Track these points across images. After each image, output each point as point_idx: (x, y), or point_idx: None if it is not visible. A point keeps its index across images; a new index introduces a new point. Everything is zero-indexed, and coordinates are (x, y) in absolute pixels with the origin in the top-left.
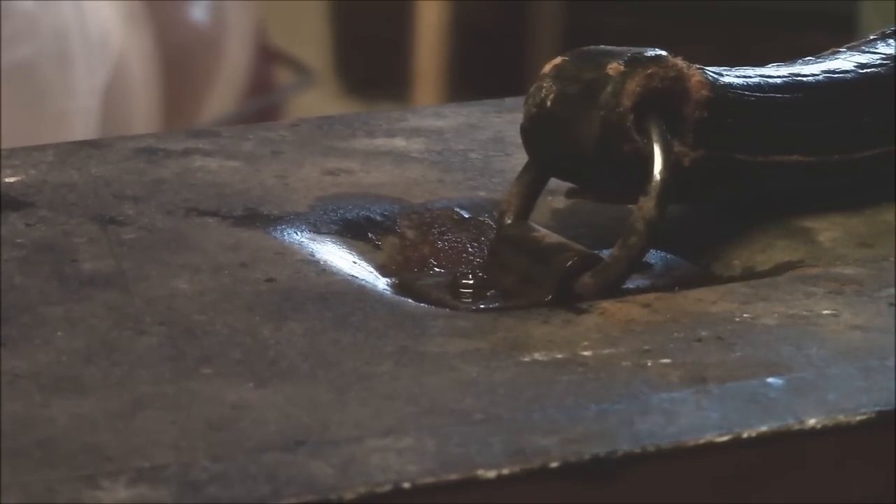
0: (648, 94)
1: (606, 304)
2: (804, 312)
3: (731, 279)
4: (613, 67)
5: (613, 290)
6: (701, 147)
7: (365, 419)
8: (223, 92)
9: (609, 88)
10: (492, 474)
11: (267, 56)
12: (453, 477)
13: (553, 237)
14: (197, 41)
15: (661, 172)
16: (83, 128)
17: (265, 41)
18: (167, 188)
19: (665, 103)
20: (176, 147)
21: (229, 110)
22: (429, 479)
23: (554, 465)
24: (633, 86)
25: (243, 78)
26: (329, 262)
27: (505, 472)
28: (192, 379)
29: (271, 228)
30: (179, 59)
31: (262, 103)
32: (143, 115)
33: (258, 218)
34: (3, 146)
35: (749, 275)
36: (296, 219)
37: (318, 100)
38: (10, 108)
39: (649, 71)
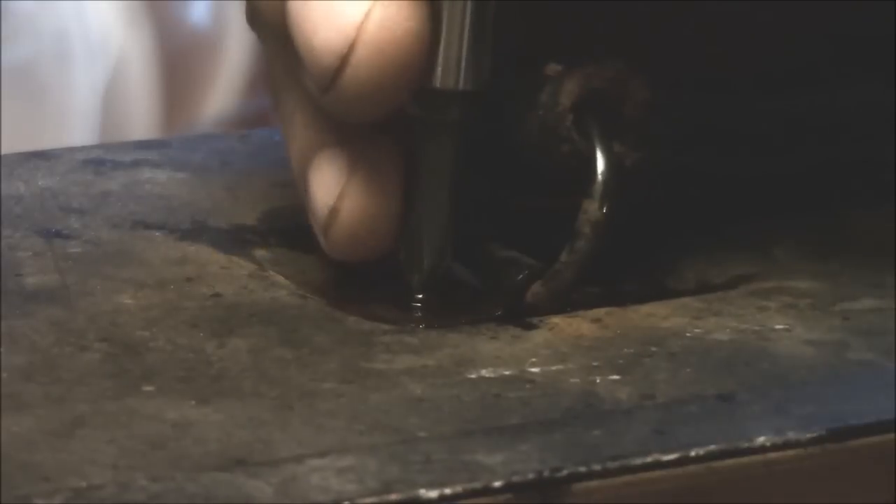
0: (588, 94)
1: (556, 320)
2: (756, 327)
3: (684, 293)
4: (551, 68)
5: (564, 297)
6: (643, 148)
7: (307, 438)
8: (223, 92)
9: (547, 88)
10: (434, 494)
11: None
12: (394, 497)
13: (503, 250)
14: (197, 41)
15: (604, 173)
16: (83, 128)
17: None
18: (114, 200)
19: (605, 104)
20: (124, 158)
21: (229, 110)
22: (369, 500)
23: (497, 483)
24: (571, 86)
25: (243, 78)
26: (276, 277)
27: (447, 491)
28: (133, 396)
29: (218, 242)
30: (180, 59)
31: (262, 104)
32: (143, 114)
33: (205, 231)
34: (4, 146)
35: (702, 288)
36: (244, 232)
37: None
38: (10, 108)
39: (588, 71)
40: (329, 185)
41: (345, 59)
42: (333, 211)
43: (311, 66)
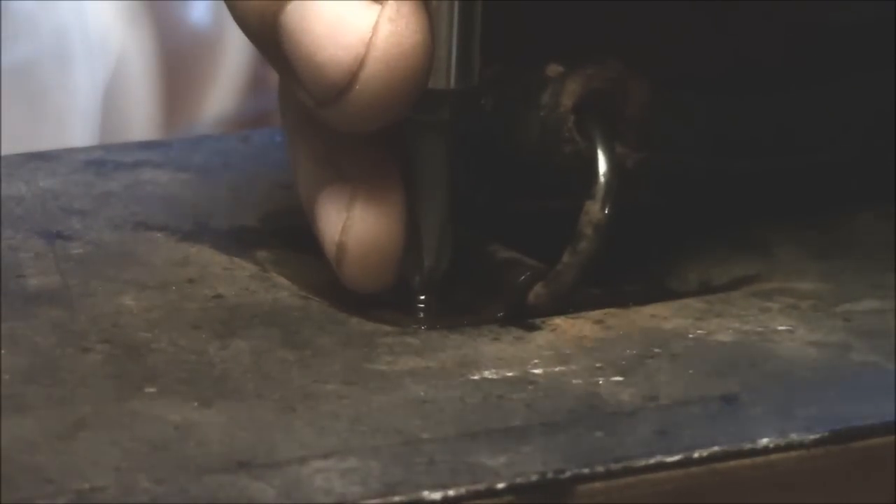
0: (589, 95)
1: (558, 321)
2: (759, 328)
3: (686, 294)
4: (552, 69)
5: (566, 298)
6: (644, 149)
7: (310, 439)
8: (223, 92)
9: (549, 89)
10: (437, 496)
11: None
12: (397, 499)
13: (505, 252)
14: (197, 41)
15: (606, 174)
16: (83, 127)
17: None
18: (115, 202)
19: (606, 105)
20: (126, 159)
21: (229, 110)
22: (373, 501)
23: (501, 485)
24: (573, 86)
25: (243, 78)
26: (278, 278)
27: (451, 493)
28: (136, 398)
29: (220, 243)
30: (180, 59)
31: (261, 103)
32: (143, 114)
33: (207, 232)
34: (4, 147)
35: (704, 289)
36: (245, 233)
37: None
38: (10, 108)
39: (589, 72)
40: (333, 221)
41: (354, 75)
42: (341, 246)
43: (315, 81)
